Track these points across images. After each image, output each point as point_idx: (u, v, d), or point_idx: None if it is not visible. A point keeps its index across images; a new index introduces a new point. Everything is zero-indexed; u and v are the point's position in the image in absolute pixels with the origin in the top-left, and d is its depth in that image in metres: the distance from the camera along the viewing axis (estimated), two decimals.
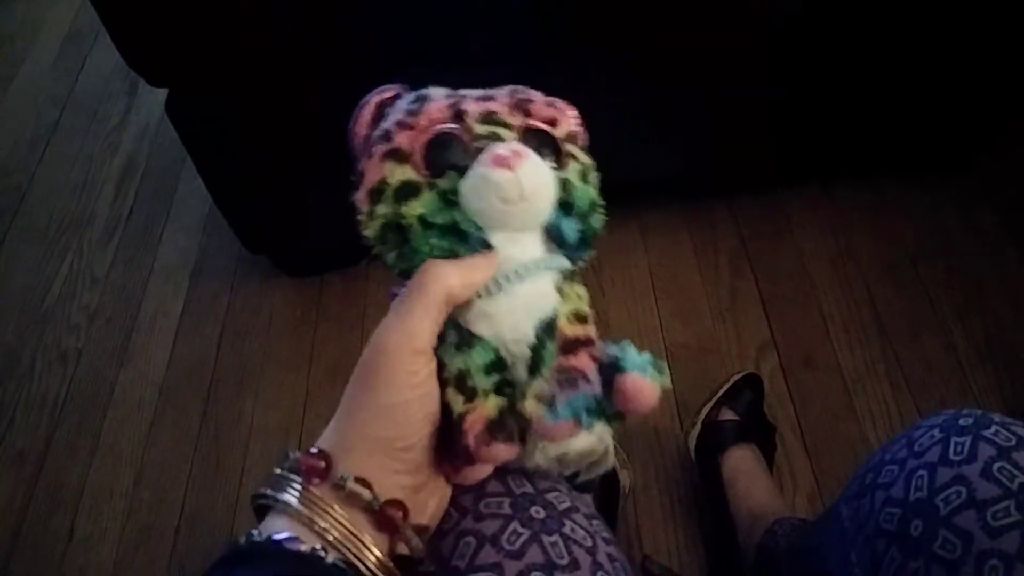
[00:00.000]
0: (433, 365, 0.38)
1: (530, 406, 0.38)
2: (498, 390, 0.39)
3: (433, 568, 0.40)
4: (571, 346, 0.39)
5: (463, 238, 0.39)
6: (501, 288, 0.39)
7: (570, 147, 0.42)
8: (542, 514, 0.41)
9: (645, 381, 0.39)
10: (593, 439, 0.40)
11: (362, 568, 0.35)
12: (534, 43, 0.90)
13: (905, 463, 0.48)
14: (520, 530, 0.40)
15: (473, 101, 0.41)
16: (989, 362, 1.03)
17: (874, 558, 0.47)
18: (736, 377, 0.97)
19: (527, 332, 0.39)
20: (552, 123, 0.42)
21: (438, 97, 0.41)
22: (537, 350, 0.39)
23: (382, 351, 0.37)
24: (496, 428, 0.38)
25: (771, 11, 0.90)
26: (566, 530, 0.41)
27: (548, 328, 0.39)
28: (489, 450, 0.38)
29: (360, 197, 0.40)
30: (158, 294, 1.25)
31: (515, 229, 0.40)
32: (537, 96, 0.43)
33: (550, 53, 0.90)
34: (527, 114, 0.42)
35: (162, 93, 0.95)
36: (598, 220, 0.43)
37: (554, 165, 0.41)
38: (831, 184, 1.21)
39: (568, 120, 0.43)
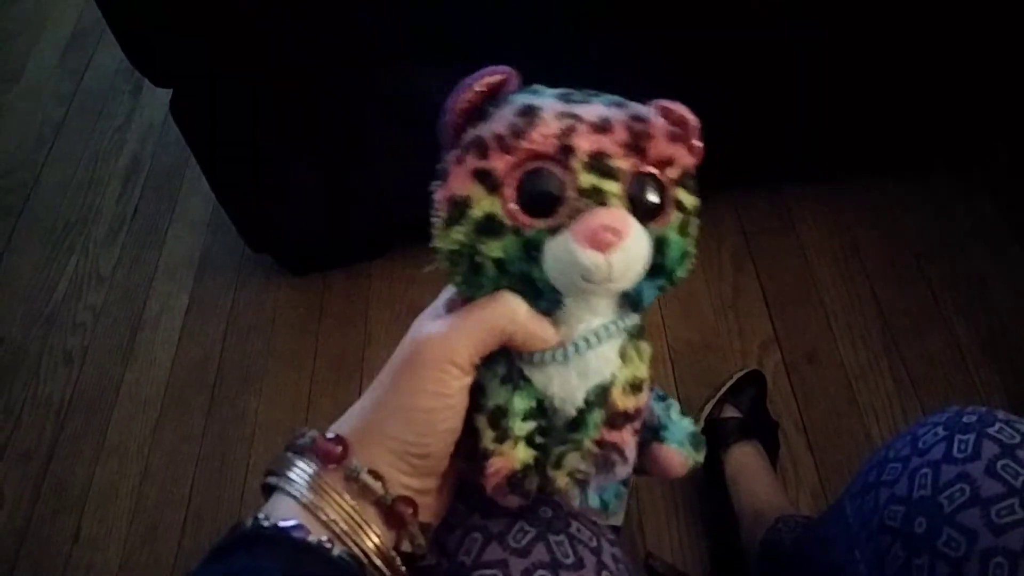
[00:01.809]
0: (466, 381, 0.36)
1: (561, 481, 0.38)
2: (530, 438, 0.38)
3: (433, 561, 0.40)
4: (617, 420, 0.38)
5: (536, 292, 0.36)
6: (566, 357, 0.37)
7: (680, 193, 0.37)
8: (549, 513, 0.42)
9: (680, 456, 0.40)
10: (617, 513, 0.40)
11: (362, 557, 0.35)
12: (541, 29, 0.90)
13: (909, 461, 0.48)
14: (527, 528, 0.41)
15: (586, 132, 0.35)
16: (993, 359, 1.03)
17: (878, 555, 0.47)
18: (739, 374, 0.97)
19: (577, 396, 0.38)
20: (668, 164, 0.37)
21: (548, 115, 0.35)
22: (582, 413, 0.38)
23: (417, 352, 0.36)
24: (515, 484, 0.37)
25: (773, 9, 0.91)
26: (572, 530, 0.41)
27: (600, 394, 0.38)
28: (503, 499, 0.38)
29: (439, 199, 0.37)
30: (163, 292, 1.26)
31: (590, 297, 0.37)
32: (659, 127, 0.36)
33: (555, 40, 0.90)
34: (642, 153, 0.36)
35: (166, 92, 0.95)
36: (684, 270, 0.39)
37: (658, 210, 0.37)
38: (835, 180, 1.21)
39: (684, 156, 0.38)
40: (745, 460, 0.90)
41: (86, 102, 1.55)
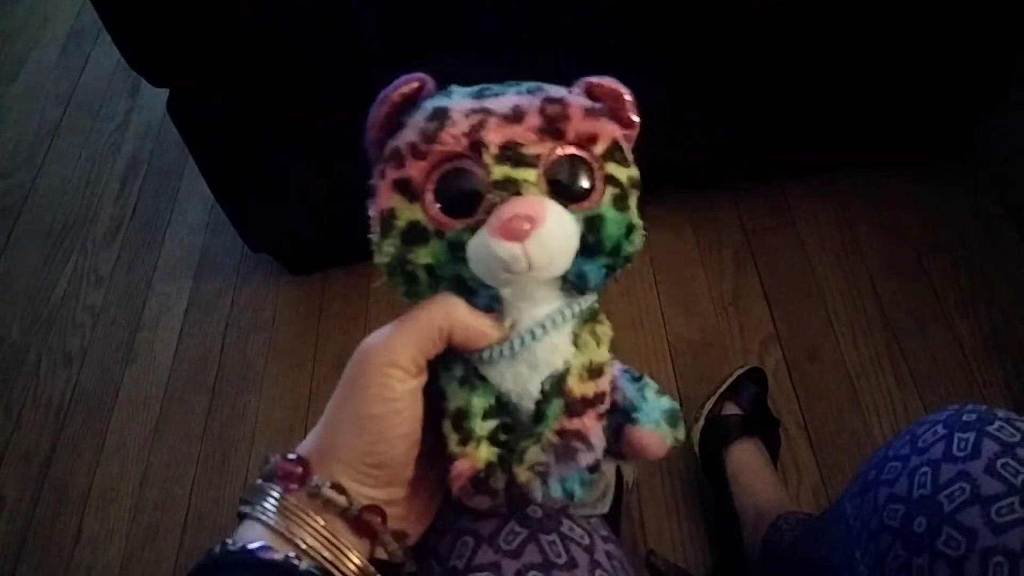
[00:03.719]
0: (412, 384, 0.36)
1: (523, 475, 0.37)
2: (493, 436, 0.38)
3: (414, 569, 0.40)
4: (577, 407, 0.37)
5: (472, 292, 0.36)
6: (512, 351, 0.36)
7: (610, 167, 0.37)
8: (539, 513, 0.41)
9: (655, 436, 0.39)
10: (588, 501, 0.40)
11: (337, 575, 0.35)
12: (540, 30, 0.90)
13: (908, 460, 0.47)
14: (518, 529, 0.40)
15: (496, 124, 0.35)
16: (995, 356, 1.02)
17: (878, 555, 0.47)
18: (740, 371, 0.97)
19: (532, 389, 0.37)
20: (591, 141, 0.36)
21: (458, 115, 0.35)
22: (541, 405, 0.37)
23: (358, 359, 0.36)
24: (480, 484, 0.37)
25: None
26: (564, 529, 0.41)
27: (556, 384, 0.37)
28: (471, 500, 0.38)
29: (372, 215, 0.37)
30: (162, 293, 1.26)
31: (526, 286, 0.36)
32: (575, 106, 0.36)
33: (555, 40, 0.90)
34: (559, 135, 0.35)
35: (164, 91, 0.95)
36: (634, 244, 0.38)
37: (586, 190, 0.36)
38: (835, 176, 1.20)
39: (608, 129, 0.37)
40: (746, 457, 0.89)
41: (84, 102, 1.55)
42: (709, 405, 0.95)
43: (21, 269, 1.32)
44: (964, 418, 0.47)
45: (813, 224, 1.17)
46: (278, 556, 0.34)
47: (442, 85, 0.38)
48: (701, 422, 0.94)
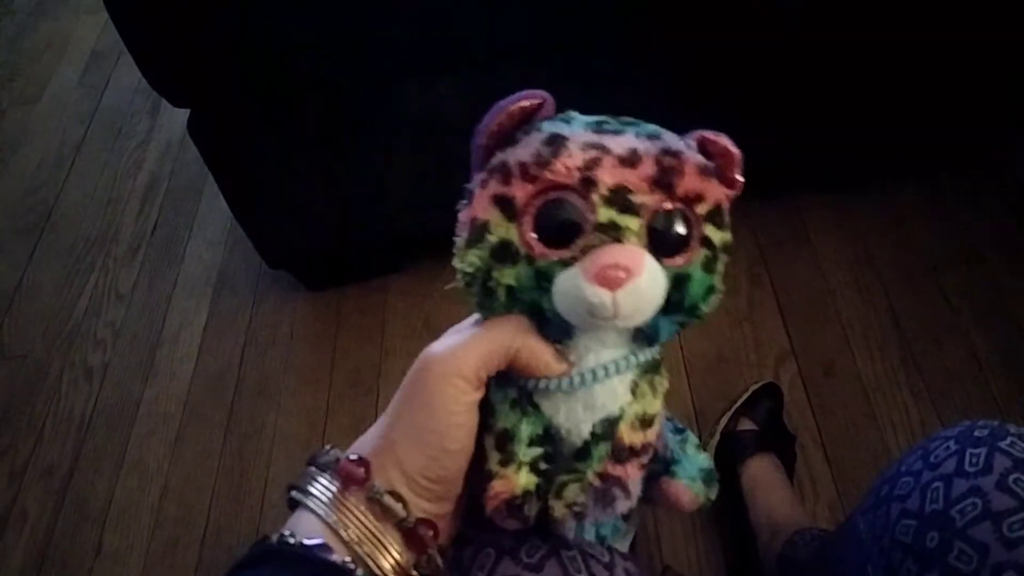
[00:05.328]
0: (474, 397, 0.36)
1: (559, 511, 0.38)
2: (534, 463, 0.38)
3: None
4: (622, 454, 0.38)
5: (546, 321, 0.36)
6: (572, 388, 0.37)
7: (708, 228, 0.36)
8: None
9: (689, 493, 0.40)
10: (620, 542, 0.41)
11: (379, 573, 0.35)
12: (535, 43, 0.91)
13: (920, 475, 0.48)
14: (539, 543, 0.41)
15: (611, 165, 0.34)
16: (1012, 369, 1.02)
17: (890, 570, 0.47)
18: (755, 386, 0.97)
19: (583, 428, 0.38)
20: (697, 200, 0.36)
21: (574, 145, 0.34)
22: (588, 445, 0.38)
23: (425, 368, 0.36)
24: (515, 509, 0.37)
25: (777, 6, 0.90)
26: (584, 545, 0.42)
27: (607, 428, 0.38)
28: (502, 522, 0.38)
29: (462, 219, 0.37)
30: (182, 309, 1.27)
31: (600, 330, 0.37)
32: (691, 163, 0.35)
33: (569, 53, 0.91)
34: (669, 189, 0.35)
35: (184, 111, 0.96)
36: (708, 305, 0.37)
37: (682, 247, 0.36)
38: (848, 190, 1.21)
39: (715, 191, 0.36)
40: (762, 473, 0.89)
41: (105, 121, 1.58)
42: (724, 421, 0.95)
43: (44, 285, 1.34)
44: (976, 433, 0.47)
45: (827, 238, 1.17)
46: (336, 559, 0.34)
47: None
48: (716, 437, 0.94)
